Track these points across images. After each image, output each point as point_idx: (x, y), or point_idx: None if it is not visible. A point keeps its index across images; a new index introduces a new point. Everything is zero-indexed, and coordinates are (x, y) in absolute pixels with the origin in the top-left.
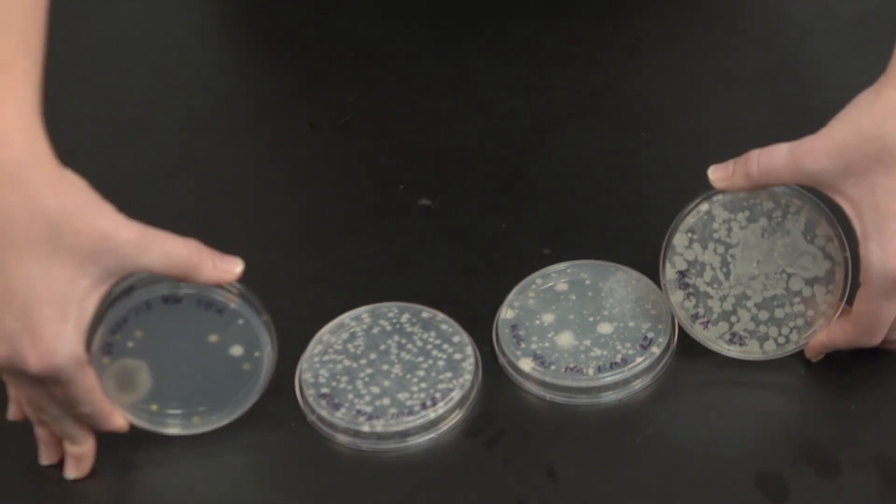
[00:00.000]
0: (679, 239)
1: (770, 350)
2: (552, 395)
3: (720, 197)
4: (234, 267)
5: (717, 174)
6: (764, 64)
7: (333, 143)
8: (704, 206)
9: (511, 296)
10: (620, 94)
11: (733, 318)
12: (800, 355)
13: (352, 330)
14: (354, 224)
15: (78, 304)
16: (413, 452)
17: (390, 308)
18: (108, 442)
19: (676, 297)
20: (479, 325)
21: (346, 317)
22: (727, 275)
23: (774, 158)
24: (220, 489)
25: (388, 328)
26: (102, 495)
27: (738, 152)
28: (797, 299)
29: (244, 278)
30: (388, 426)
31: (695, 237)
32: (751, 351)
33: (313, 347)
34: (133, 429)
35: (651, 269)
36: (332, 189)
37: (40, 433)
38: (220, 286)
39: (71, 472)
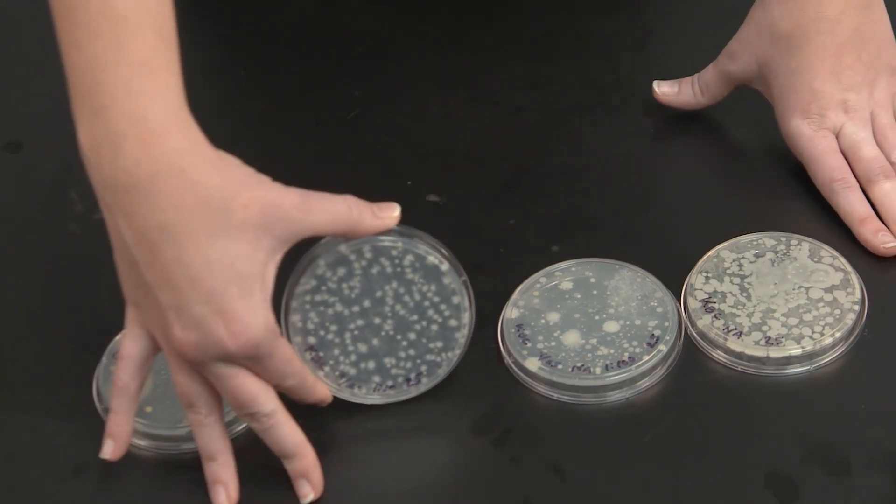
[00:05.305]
0: (696, 279)
1: (808, 345)
2: (559, 394)
3: (721, 245)
4: (393, 212)
5: (663, 88)
6: None
7: (341, 139)
8: (711, 252)
9: (515, 295)
10: (629, 90)
11: (764, 328)
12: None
13: (350, 265)
14: None
15: (259, 277)
16: (419, 450)
17: (395, 243)
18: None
19: (704, 320)
20: (487, 321)
21: (345, 247)
22: (748, 297)
23: (706, 75)
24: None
25: (389, 270)
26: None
27: (748, 149)
28: (821, 304)
29: None
30: (367, 397)
31: (710, 275)
32: (789, 349)
33: (307, 282)
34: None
35: (658, 267)
36: (339, 185)
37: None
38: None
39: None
